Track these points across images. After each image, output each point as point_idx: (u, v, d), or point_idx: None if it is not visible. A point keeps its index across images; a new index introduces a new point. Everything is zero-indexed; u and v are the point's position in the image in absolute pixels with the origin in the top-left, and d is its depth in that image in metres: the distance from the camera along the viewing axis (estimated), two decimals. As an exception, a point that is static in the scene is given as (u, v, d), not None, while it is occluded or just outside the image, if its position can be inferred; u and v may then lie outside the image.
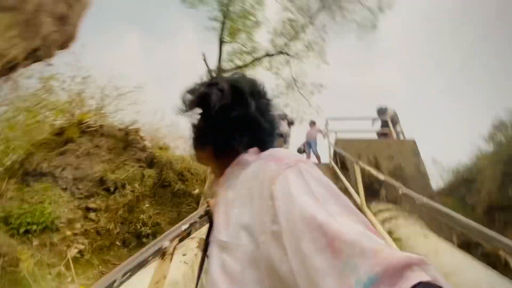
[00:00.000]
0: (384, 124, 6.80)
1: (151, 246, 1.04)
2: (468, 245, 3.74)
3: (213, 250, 0.50)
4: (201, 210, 1.06)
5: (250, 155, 0.56)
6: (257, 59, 9.11)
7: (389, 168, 5.28)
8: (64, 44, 4.45)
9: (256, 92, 0.59)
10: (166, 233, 1.19)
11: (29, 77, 5.45)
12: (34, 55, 3.88)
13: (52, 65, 5.40)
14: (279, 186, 0.41)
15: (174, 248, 1.12)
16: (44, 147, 4.58)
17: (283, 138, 6.25)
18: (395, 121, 6.74)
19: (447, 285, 0.26)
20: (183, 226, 1.32)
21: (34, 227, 3.54)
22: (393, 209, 4.05)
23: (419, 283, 0.25)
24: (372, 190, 4.81)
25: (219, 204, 0.55)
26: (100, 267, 3.74)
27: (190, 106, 0.62)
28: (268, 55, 9.24)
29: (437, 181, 9.59)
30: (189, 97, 0.61)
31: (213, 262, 0.47)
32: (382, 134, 6.77)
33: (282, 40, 9.28)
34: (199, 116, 0.62)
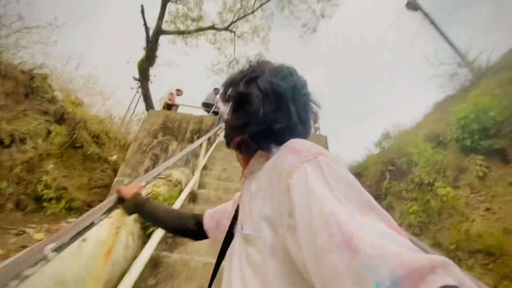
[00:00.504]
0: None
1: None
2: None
3: (237, 241, 0.51)
4: (108, 202, 0.91)
5: (275, 147, 0.56)
6: (201, 29, 8.70)
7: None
8: None
9: (297, 94, 0.57)
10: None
11: None
12: None
13: None
14: (296, 180, 0.40)
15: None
16: None
17: (219, 115, 6.39)
18: (314, 118, 7.78)
19: (474, 287, 0.25)
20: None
21: None
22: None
23: (444, 287, 0.24)
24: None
25: (244, 196, 0.56)
26: (-14, 230, 3.18)
27: (227, 100, 0.62)
28: (214, 27, 8.94)
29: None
30: (229, 90, 0.61)
31: (238, 253, 0.48)
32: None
33: (230, 16, 9.11)
34: (233, 108, 0.61)
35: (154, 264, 1.89)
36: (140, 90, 8.51)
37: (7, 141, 3.93)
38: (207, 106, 7.23)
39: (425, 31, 8.99)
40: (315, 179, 0.39)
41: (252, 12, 9.07)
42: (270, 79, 0.56)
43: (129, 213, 0.94)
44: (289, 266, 0.40)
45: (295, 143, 0.46)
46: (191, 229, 0.84)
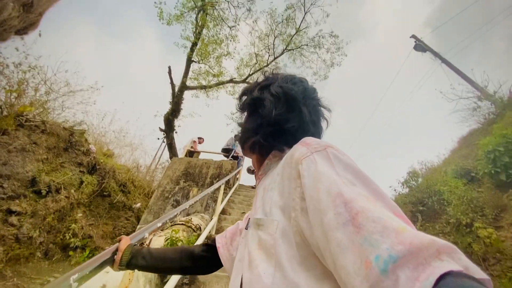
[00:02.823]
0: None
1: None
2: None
3: (250, 230, 0.53)
4: (107, 252, 0.78)
5: (283, 150, 0.59)
6: (221, 83, 9.54)
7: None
8: (23, 31, 4.18)
9: (307, 97, 0.59)
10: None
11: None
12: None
13: (-3, 47, 4.91)
14: (305, 166, 0.43)
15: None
16: (-33, 135, 3.98)
17: (237, 160, 6.55)
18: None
19: (481, 274, 0.25)
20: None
21: None
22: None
23: (449, 273, 0.24)
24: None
25: (257, 195, 0.58)
26: (14, 279, 3.29)
27: (242, 108, 0.65)
28: (232, 81, 9.77)
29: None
30: (244, 98, 0.64)
31: (251, 240, 0.50)
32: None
33: (247, 70, 9.98)
34: (248, 113, 0.64)
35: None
36: (165, 140, 9.11)
37: (44, 192, 4.28)
38: (226, 151, 7.49)
39: (438, 69, 9.13)
40: (323, 165, 0.41)
41: (267, 65, 9.89)
42: (281, 84, 0.59)
43: (121, 264, 0.75)
44: (300, 249, 0.41)
45: (306, 139, 0.49)
46: (199, 255, 0.75)
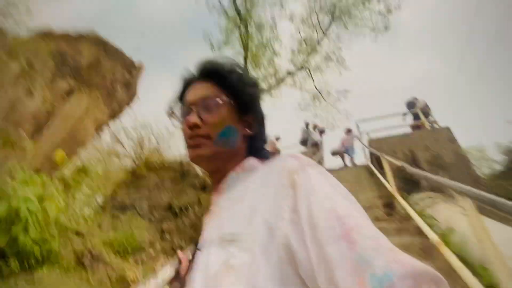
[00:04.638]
0: (416, 116, 6.87)
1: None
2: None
3: (210, 250, 0.45)
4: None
5: (255, 162, 0.56)
6: (281, 80, 9.88)
7: (427, 158, 5.38)
8: (129, 102, 5.64)
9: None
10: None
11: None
12: (113, 115, 5.06)
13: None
14: (302, 177, 0.41)
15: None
16: (124, 185, 5.73)
17: (317, 146, 6.70)
18: (426, 112, 6.78)
19: None
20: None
21: (129, 248, 4.48)
22: (434, 196, 4.21)
23: None
24: (413, 182, 4.97)
25: (218, 208, 0.52)
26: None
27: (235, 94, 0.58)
28: (289, 73, 9.97)
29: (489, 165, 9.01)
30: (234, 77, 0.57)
31: (212, 260, 0.43)
32: (415, 127, 6.83)
33: (300, 57, 9.98)
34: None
35: None
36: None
37: (178, 212, 5.63)
38: (304, 143, 7.73)
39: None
40: (318, 180, 0.41)
41: (318, 44, 9.63)
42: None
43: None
44: (281, 268, 0.36)
45: (291, 154, 0.48)
46: None
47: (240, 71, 0.56)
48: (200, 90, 0.54)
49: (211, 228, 0.50)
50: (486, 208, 1.65)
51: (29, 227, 2.47)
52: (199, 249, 0.50)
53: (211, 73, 0.55)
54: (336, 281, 0.30)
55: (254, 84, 0.58)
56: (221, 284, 0.38)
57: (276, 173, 0.45)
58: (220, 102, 0.52)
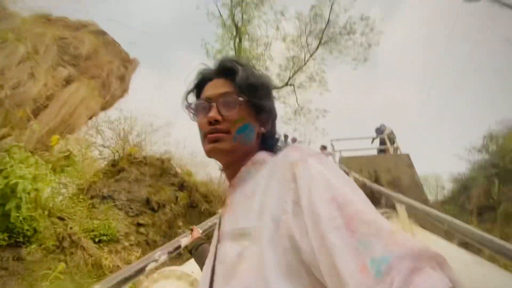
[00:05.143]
0: (382, 141, 7.71)
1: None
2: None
3: (225, 243, 0.49)
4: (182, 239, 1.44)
5: (264, 155, 0.57)
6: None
7: (388, 179, 6.11)
8: (121, 96, 5.76)
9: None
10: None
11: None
12: (105, 107, 5.18)
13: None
14: (302, 169, 0.43)
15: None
16: (104, 176, 5.77)
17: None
18: (391, 138, 7.64)
19: None
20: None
21: (104, 237, 4.58)
22: (390, 212, 4.85)
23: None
24: (374, 199, 5.62)
25: (232, 203, 0.55)
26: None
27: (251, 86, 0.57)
28: (275, 87, 10.56)
29: (439, 191, 10.19)
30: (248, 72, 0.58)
31: (228, 252, 0.47)
32: (381, 151, 7.65)
33: (287, 73, 10.64)
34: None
35: None
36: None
37: (156, 208, 5.77)
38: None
39: (496, 16, 8.06)
40: (318, 169, 0.42)
41: (305, 64, 10.37)
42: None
43: (188, 248, 1.16)
44: (287, 255, 0.39)
45: (294, 145, 0.51)
46: None
47: (258, 72, 0.59)
48: (220, 87, 0.56)
49: (227, 222, 0.53)
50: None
51: (22, 205, 2.58)
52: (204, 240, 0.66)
53: (232, 71, 0.56)
54: (338, 269, 0.31)
55: (269, 85, 0.60)
56: (236, 273, 0.42)
57: (280, 166, 0.47)
58: (241, 99, 0.54)
